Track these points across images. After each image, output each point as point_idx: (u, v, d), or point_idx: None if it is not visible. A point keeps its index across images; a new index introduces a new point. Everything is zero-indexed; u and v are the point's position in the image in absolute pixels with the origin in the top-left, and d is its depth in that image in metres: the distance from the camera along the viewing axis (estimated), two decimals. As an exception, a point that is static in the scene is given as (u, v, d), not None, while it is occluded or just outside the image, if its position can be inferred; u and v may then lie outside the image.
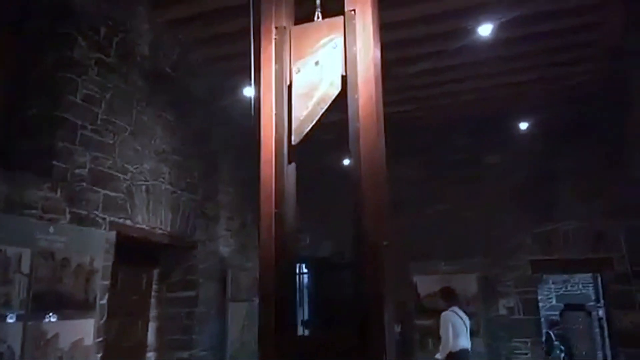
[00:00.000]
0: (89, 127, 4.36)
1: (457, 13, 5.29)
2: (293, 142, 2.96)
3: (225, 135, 6.56)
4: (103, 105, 4.52)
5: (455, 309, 5.58)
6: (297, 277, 8.83)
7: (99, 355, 4.18)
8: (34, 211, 3.76)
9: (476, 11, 5.21)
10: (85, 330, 3.95)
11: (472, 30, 5.48)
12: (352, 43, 2.89)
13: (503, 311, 7.74)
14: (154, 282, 5.91)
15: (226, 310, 6.38)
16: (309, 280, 9.00)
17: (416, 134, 8.31)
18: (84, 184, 4.26)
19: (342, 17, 2.98)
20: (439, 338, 5.59)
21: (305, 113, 2.95)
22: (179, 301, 5.90)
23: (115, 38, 4.74)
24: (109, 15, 4.68)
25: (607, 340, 8.85)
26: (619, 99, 6.75)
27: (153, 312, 5.87)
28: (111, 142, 4.60)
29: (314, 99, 2.94)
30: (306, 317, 9.00)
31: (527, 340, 7.53)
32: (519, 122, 7.60)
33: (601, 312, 10.40)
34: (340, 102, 2.92)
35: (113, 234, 4.50)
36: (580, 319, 11.07)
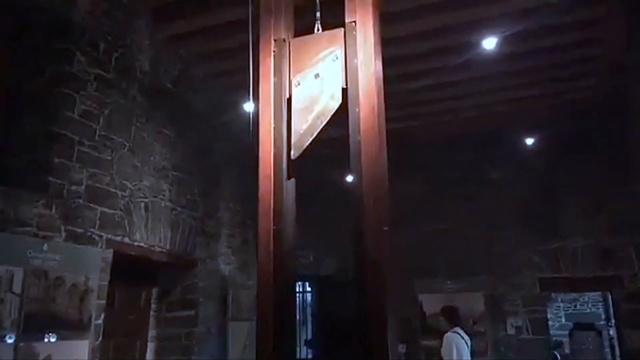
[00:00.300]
0: (87, 143, 4.29)
1: (458, 28, 5.24)
2: (292, 157, 2.87)
3: (226, 151, 6.49)
4: (101, 121, 4.46)
5: (458, 329, 5.37)
6: (301, 295, 8.69)
7: (94, 378, 4.05)
8: (28, 228, 3.67)
9: (477, 26, 5.16)
10: (79, 351, 3.83)
11: (474, 46, 5.42)
12: (353, 55, 2.82)
13: (511, 331, 7.54)
14: (152, 301, 5.79)
15: (227, 330, 6.23)
16: (312, 298, 8.84)
17: (419, 150, 8.22)
18: (81, 200, 4.17)
19: (342, 29, 2.91)
20: (442, 360, 5.38)
21: (305, 127, 2.86)
22: (178, 321, 5.76)
23: (114, 53, 4.69)
24: (109, 31, 4.65)
25: (618, 360, 8.63)
26: (620, 114, 6.66)
27: (152, 332, 5.74)
28: (109, 158, 4.52)
29: (314, 113, 2.86)
30: (309, 336, 8.81)
31: (537, 360, 7.33)
32: (521, 137, 7.50)
33: (612, 332, 10.18)
34: (341, 116, 2.84)
35: (110, 252, 4.40)
36: (590, 339, 10.84)
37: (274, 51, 3.06)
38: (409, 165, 8.29)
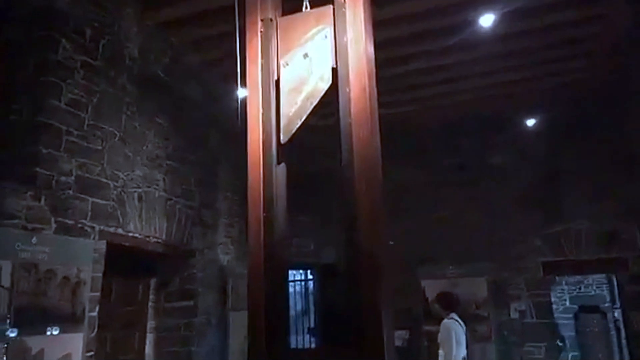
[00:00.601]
0: (75, 132, 4.18)
1: (451, 8, 5.11)
2: (282, 142, 2.77)
3: (223, 139, 6.38)
4: (90, 110, 4.35)
5: (455, 316, 5.28)
6: (303, 283, 8.63)
7: (89, 371, 3.99)
8: (16, 221, 3.59)
9: (471, 5, 5.01)
10: (73, 344, 3.76)
11: (468, 26, 5.29)
12: (342, 33, 2.71)
13: (515, 315, 7.49)
14: (151, 292, 5.73)
15: (227, 320, 6.17)
16: (314, 287, 8.79)
17: (417, 136, 8.12)
18: (71, 191, 4.08)
19: (331, 6, 2.80)
20: (438, 347, 5.28)
21: (294, 109, 2.76)
22: (177, 311, 5.70)
23: (102, 40, 4.57)
24: (95, 18, 4.52)
25: (623, 342, 8.56)
26: (621, 96, 6.52)
27: (151, 323, 5.68)
28: (99, 148, 4.42)
29: (303, 94, 2.76)
30: (312, 324, 8.78)
31: (541, 344, 7.27)
32: (522, 121, 7.39)
33: (617, 314, 10.10)
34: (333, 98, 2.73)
35: (103, 243, 4.32)
36: (595, 321, 10.76)
37: (260, 32, 2.94)
38: (407, 152, 8.19)
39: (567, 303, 11.54)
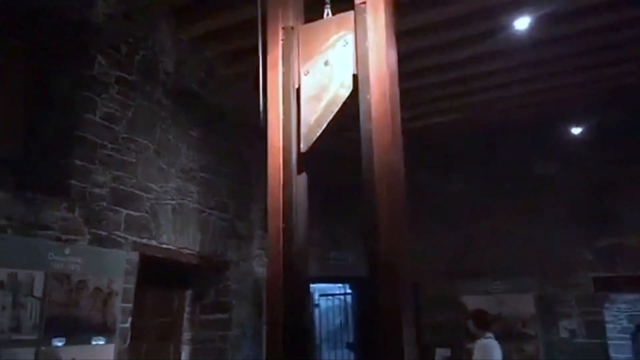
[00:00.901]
0: (109, 145, 4.27)
1: (488, 12, 4.92)
2: (302, 150, 2.70)
3: (257, 151, 6.37)
4: (124, 123, 4.44)
5: (491, 335, 5.02)
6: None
7: (121, 382, 4.02)
8: (50, 232, 3.67)
9: (511, 8, 4.82)
10: (104, 355, 3.80)
11: (505, 32, 5.10)
12: (363, 39, 2.63)
13: (564, 334, 7.09)
14: (186, 304, 5.75)
15: (262, 333, 6.12)
16: (352, 300, 8.64)
17: (462, 146, 7.91)
18: (104, 203, 4.15)
19: (352, 12, 2.73)
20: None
21: (314, 117, 2.69)
22: (213, 324, 5.70)
23: (136, 55, 4.67)
24: (130, 33, 4.63)
25: (687, 366, 7.94)
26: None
27: (186, 335, 5.70)
28: (133, 160, 4.50)
29: (324, 102, 2.69)
30: (351, 339, 8.61)
31: (593, 365, 6.84)
32: (568, 129, 7.04)
33: (679, 335, 9.42)
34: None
35: (136, 254, 4.37)
36: (654, 342, 10.06)
37: (282, 40, 2.90)
38: (453, 161, 7.99)
39: (625, 322, 10.87)
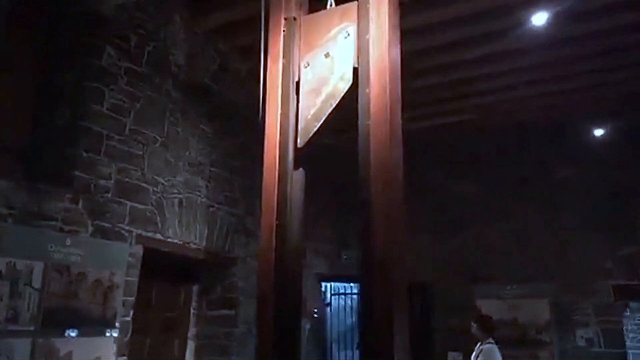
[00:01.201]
0: (116, 137, 4.25)
1: (510, 7, 4.76)
2: (299, 145, 2.61)
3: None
4: (132, 115, 4.41)
5: (492, 341, 4.98)
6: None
7: (121, 375, 3.99)
8: (52, 222, 3.65)
9: (524, 6, 4.65)
10: (103, 348, 3.77)
11: (532, 28, 4.92)
12: (365, 31, 2.52)
13: (581, 342, 6.88)
14: (193, 299, 5.73)
15: (269, 331, 6.05)
16: (359, 298, 8.51)
17: (477, 146, 7.74)
18: (109, 195, 4.13)
19: (356, 2, 2.62)
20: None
21: (313, 111, 2.60)
22: (218, 320, 5.66)
23: (147, 47, 4.64)
24: (141, 24, 4.60)
25: None
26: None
27: (192, 330, 5.67)
28: (140, 153, 4.47)
29: (323, 95, 2.59)
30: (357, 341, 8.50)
31: (611, 377, 6.62)
32: (590, 131, 6.80)
33: (703, 347, 9.06)
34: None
35: (140, 248, 4.34)
36: (677, 354, 9.72)
37: (283, 31, 2.81)
38: (468, 162, 7.82)
39: (646, 332, 10.54)
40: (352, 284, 8.71)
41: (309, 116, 2.60)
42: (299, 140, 2.60)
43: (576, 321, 6.88)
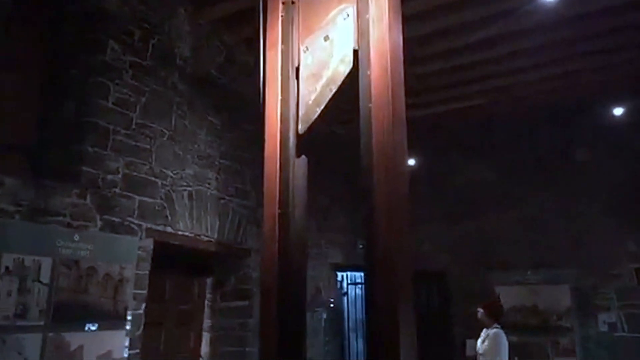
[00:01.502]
0: (123, 131, 4.23)
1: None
2: (300, 131, 2.55)
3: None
4: (138, 109, 4.39)
5: (499, 326, 4.94)
6: (352, 287, 8.30)
7: (134, 368, 4.00)
8: (60, 218, 3.66)
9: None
10: (114, 342, 3.78)
11: (539, 7, 4.76)
12: (365, 11, 2.44)
13: (603, 327, 6.73)
14: (207, 291, 5.73)
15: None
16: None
17: (493, 131, 7.61)
18: (117, 189, 4.12)
19: (355, -18, 2.54)
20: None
21: (313, 97, 2.54)
22: (233, 311, 5.65)
23: (151, 40, 4.61)
24: (144, 18, 4.56)
25: None
26: None
27: (207, 322, 5.67)
28: (147, 146, 4.45)
29: (323, 80, 2.53)
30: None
31: (635, 361, 6.46)
32: (608, 111, 6.60)
33: None
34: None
35: (150, 241, 4.33)
36: None
37: (281, 15, 2.75)
38: (483, 147, 7.69)
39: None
40: (362, 274, 8.66)
41: (310, 102, 2.54)
42: (300, 126, 2.55)
43: (598, 306, 6.75)
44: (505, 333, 5.00)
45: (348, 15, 2.52)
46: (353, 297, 8.25)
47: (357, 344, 8.39)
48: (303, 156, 2.59)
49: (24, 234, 3.33)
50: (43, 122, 3.99)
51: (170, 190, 4.66)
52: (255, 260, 5.76)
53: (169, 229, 4.60)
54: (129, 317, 3.95)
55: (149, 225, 4.36)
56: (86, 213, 3.85)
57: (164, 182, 4.59)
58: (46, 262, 3.39)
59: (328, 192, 7.32)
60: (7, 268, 3.15)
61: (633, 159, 6.67)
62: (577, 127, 7.00)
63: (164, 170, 4.60)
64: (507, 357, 4.79)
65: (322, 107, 2.49)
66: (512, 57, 5.87)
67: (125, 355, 3.92)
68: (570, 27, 5.18)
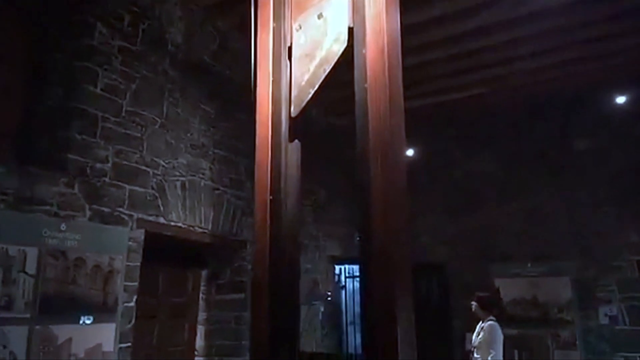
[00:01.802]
0: (112, 118, 4.10)
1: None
2: (292, 114, 2.43)
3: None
4: (128, 96, 4.26)
5: (494, 318, 4.88)
6: (350, 280, 8.19)
7: (125, 362, 3.89)
8: (47, 207, 3.54)
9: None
10: (104, 335, 3.67)
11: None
12: (360, -14, 2.30)
13: (604, 320, 6.64)
14: (202, 283, 5.62)
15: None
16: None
17: (492, 121, 7.47)
18: (106, 179, 4.00)
19: (351, -45, 2.41)
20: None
21: (306, 78, 2.41)
22: (228, 304, 5.55)
23: (141, 25, 4.47)
24: (135, 2, 4.43)
25: None
26: None
27: (202, 315, 5.57)
28: (138, 135, 4.32)
29: (317, 60, 2.39)
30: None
31: (636, 354, 6.38)
32: (610, 100, 6.47)
33: None
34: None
35: (141, 232, 4.22)
36: None
37: (273, -7, 2.62)
38: (482, 138, 7.58)
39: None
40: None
41: (303, 83, 2.41)
42: (292, 109, 2.43)
43: (599, 298, 6.65)
44: (501, 326, 4.91)
45: (343, -9, 2.38)
46: (351, 290, 8.14)
47: (355, 338, 8.29)
48: (296, 141, 2.47)
49: (9, 223, 3.21)
50: (28, 107, 3.86)
51: (163, 180, 4.54)
52: (251, 252, 5.65)
53: (161, 220, 4.48)
54: (119, 310, 3.84)
55: (140, 216, 4.25)
56: (74, 202, 3.73)
57: (156, 171, 4.47)
58: (32, 252, 3.28)
59: (325, 184, 7.21)
60: (-11, 258, 3.04)
61: (634, 148, 6.56)
62: (578, 117, 6.88)
63: (156, 159, 4.48)
64: (501, 350, 4.69)
65: (315, 89, 2.36)
66: (509, 45, 5.74)
67: (111, 349, 3.79)
68: (567, 14, 5.05)
